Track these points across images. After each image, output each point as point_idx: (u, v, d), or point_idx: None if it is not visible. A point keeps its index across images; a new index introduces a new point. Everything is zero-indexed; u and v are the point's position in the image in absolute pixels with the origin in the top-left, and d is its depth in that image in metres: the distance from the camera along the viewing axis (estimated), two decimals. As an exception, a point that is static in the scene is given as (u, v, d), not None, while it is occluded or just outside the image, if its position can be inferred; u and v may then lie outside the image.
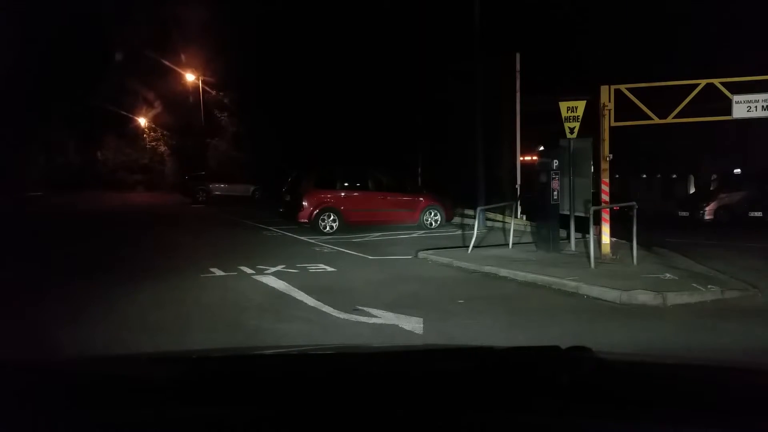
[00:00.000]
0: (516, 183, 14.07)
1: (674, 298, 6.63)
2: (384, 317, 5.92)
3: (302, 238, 12.83)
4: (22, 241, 12.52)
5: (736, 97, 8.84)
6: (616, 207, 9.79)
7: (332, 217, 13.75)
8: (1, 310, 6.21)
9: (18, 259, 9.72)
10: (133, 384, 1.39)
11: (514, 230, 10.98)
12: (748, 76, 8.97)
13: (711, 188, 19.77)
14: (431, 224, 14.52)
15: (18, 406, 1.26)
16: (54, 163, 36.33)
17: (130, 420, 1.20)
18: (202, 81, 31.58)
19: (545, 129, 12.53)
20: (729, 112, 8.93)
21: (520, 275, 8.08)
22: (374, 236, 12.94)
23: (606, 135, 9.18)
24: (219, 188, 26.05)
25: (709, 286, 7.04)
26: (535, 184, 10.29)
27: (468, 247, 10.25)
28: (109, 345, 4.87)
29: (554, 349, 1.48)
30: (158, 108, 35.84)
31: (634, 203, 8.83)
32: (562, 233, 10.02)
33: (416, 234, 13.43)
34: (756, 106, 8.77)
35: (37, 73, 28.38)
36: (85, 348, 4.72)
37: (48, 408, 1.25)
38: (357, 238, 12.70)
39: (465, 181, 14.16)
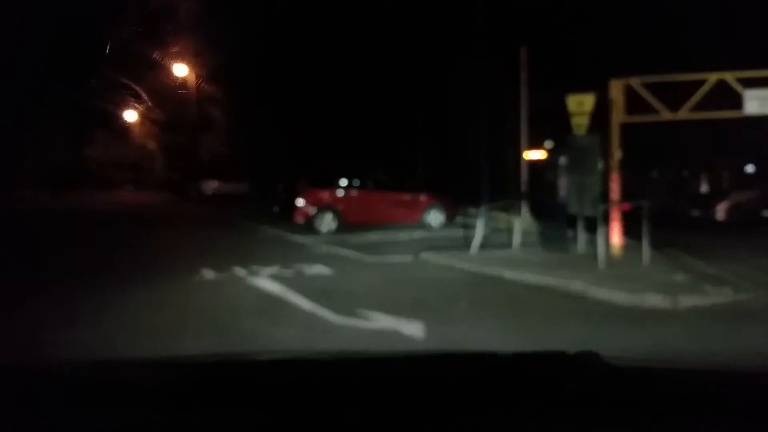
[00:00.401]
0: (521, 181, 13.82)
1: (685, 301, 6.51)
2: (383, 321, 5.80)
3: (299, 238, 12.66)
4: (14, 242, 12.37)
5: (747, 93, 8.61)
6: (625, 206, 9.55)
7: (330, 216, 13.55)
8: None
9: (13, 260, 9.59)
10: (126, 388, 1.40)
11: (518, 230, 10.75)
12: (762, 70, 8.72)
13: (723, 187, 19.57)
14: (432, 224, 14.29)
15: (13, 407, 1.27)
16: (41, 162, 35.81)
17: (125, 422, 1.21)
18: (193, 75, 30.98)
19: (552, 126, 12.29)
20: (741, 108, 8.69)
21: (525, 277, 7.93)
22: (374, 237, 12.72)
23: (615, 131, 8.96)
24: (211, 186, 25.65)
25: (721, 288, 6.92)
26: (540, 183, 10.09)
27: (471, 248, 10.04)
28: (101, 349, 4.76)
29: (561, 354, 1.47)
30: (147, 103, 35.41)
31: (645, 202, 8.62)
32: (569, 233, 9.80)
33: (417, 234, 13.17)
34: (770, 102, 8.55)
35: (25, 70, 28.11)
36: (77, 352, 4.62)
37: (42, 410, 1.26)
38: (356, 238, 12.49)
39: (468, 179, 13.92)
